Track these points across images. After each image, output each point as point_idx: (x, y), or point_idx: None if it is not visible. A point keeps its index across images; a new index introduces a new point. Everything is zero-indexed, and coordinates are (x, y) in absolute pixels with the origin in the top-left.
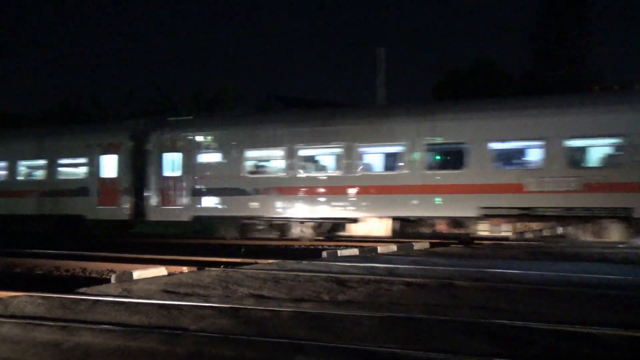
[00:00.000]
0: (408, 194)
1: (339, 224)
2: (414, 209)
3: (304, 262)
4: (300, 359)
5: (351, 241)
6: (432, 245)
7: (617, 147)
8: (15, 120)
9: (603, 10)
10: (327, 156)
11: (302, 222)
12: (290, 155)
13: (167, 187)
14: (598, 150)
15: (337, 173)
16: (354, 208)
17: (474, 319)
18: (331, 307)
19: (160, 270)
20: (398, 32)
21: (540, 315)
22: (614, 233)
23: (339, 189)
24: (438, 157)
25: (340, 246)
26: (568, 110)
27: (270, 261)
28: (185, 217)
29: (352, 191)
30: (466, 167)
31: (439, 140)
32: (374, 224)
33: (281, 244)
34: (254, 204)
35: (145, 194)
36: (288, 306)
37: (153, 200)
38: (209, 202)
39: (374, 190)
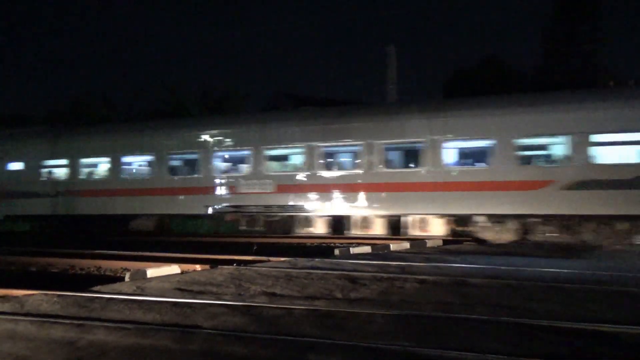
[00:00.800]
0: (161, 195)
1: (122, 220)
2: (167, 207)
3: (316, 259)
4: (312, 357)
5: (363, 239)
6: (445, 242)
7: (299, 156)
8: (24, 122)
9: (615, 4)
10: (101, 164)
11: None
12: (73, 164)
13: None
14: (288, 158)
15: (108, 178)
16: (127, 206)
17: (487, 316)
18: (344, 304)
19: (174, 269)
20: (408, 29)
21: (554, 313)
22: (321, 227)
23: (109, 192)
24: (179, 165)
25: (352, 244)
26: (268, 124)
27: (283, 259)
28: (0, 216)
29: (122, 193)
30: (198, 172)
31: (179, 150)
32: (143, 221)
33: (293, 242)
34: (54, 204)
35: None
36: (300, 304)
37: None
38: (18, 203)
39: (138, 192)
